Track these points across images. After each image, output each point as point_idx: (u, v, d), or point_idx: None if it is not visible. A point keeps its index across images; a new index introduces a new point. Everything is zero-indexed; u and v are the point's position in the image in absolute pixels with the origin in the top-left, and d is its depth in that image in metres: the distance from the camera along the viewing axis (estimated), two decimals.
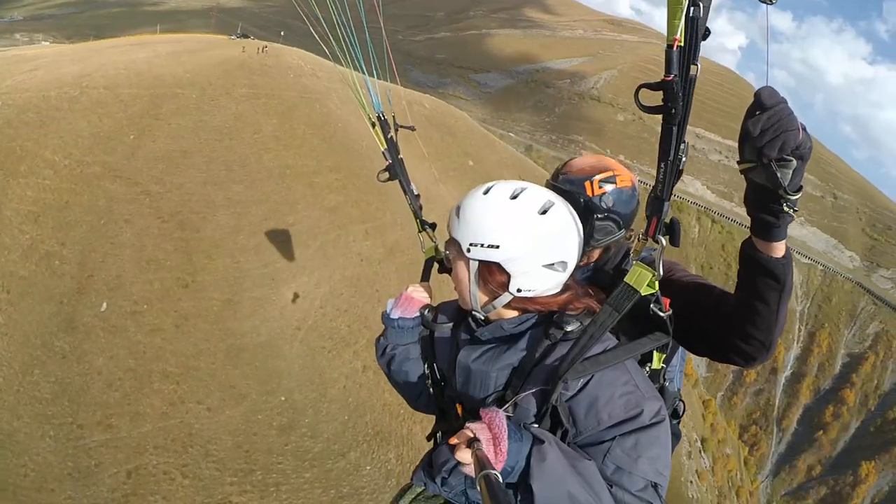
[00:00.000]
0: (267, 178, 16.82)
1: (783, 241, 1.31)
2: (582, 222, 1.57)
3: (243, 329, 13.72)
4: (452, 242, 1.56)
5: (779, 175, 1.14)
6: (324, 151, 19.18)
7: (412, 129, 2.45)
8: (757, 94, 1.14)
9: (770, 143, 1.12)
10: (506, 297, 1.49)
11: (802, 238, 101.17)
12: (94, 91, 16.23)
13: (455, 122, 32.64)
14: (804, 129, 1.11)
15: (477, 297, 1.53)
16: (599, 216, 1.82)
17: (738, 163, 1.23)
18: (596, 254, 1.94)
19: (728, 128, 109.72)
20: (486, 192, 1.50)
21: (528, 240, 1.42)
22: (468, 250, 1.47)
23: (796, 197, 1.19)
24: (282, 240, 15.25)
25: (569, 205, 1.57)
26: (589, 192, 1.81)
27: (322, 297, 15.38)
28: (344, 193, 18.19)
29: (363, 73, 2.34)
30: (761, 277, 1.37)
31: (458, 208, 1.52)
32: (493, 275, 1.48)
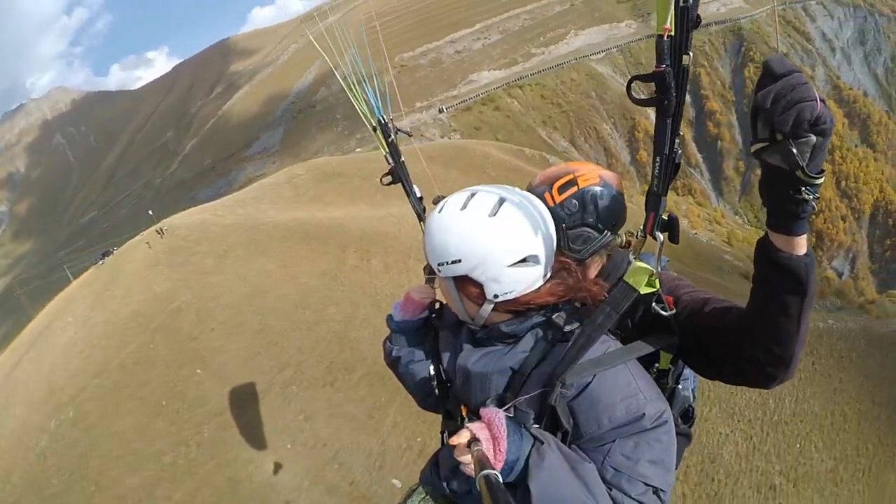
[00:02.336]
0: None
1: (805, 236, 1.16)
2: (557, 235, 1.56)
3: None
4: (428, 265, 1.60)
5: (795, 153, 1.00)
6: None
7: (409, 134, 2.50)
8: (766, 63, 1.04)
9: (783, 115, 0.99)
10: (488, 306, 1.49)
11: (584, 43, 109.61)
12: None
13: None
14: (823, 101, 0.99)
15: (465, 311, 1.56)
16: (567, 225, 1.68)
17: (752, 143, 1.08)
18: (594, 266, 1.80)
19: (467, 20, 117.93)
20: (440, 211, 1.52)
21: (484, 245, 1.41)
22: (439, 270, 1.50)
23: (819, 181, 1.04)
24: None
25: (528, 195, 1.58)
26: (550, 203, 1.68)
27: None
28: None
29: (363, 78, 2.34)
30: (780, 279, 1.21)
31: (425, 233, 1.55)
32: (466, 288, 1.49)
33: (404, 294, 1.95)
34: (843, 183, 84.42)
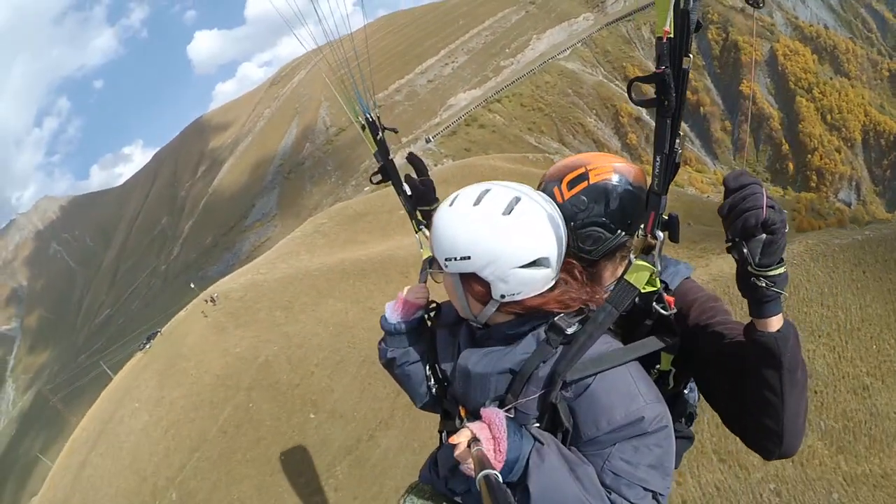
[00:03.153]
0: None
1: (778, 316, 1.26)
2: (568, 233, 1.52)
3: None
4: (434, 259, 1.56)
5: (746, 252, 1.17)
6: None
7: (395, 131, 2.45)
8: (724, 180, 1.19)
9: (734, 224, 1.16)
10: (492, 305, 1.48)
11: (549, 45, 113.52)
12: None
13: None
14: (772, 206, 1.13)
15: (468, 308, 1.53)
16: (576, 223, 1.60)
17: (725, 242, 1.24)
18: (608, 271, 1.72)
19: (431, 48, 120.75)
20: (451, 204, 1.49)
21: (496, 245, 1.38)
22: (445, 266, 1.47)
23: (774, 272, 1.19)
24: None
25: (543, 196, 1.56)
26: (559, 199, 1.62)
27: None
28: None
29: (351, 77, 2.31)
30: (755, 353, 1.28)
31: (433, 225, 1.52)
32: (472, 286, 1.47)
33: (399, 295, 1.93)
34: (829, 117, 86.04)
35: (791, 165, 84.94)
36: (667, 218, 1.38)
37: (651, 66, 1.27)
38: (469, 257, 1.40)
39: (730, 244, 1.20)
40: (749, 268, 1.19)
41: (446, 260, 1.46)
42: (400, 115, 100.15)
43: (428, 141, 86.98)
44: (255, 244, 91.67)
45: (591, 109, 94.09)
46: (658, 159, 1.29)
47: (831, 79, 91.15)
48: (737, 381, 1.39)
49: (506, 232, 1.38)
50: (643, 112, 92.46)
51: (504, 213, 1.39)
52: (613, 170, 1.64)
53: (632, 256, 1.49)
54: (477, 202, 1.43)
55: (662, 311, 1.42)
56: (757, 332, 1.27)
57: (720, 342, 1.46)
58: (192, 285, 33.81)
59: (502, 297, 1.43)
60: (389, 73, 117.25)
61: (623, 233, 1.64)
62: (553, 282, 1.47)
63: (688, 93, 1.20)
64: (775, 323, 1.26)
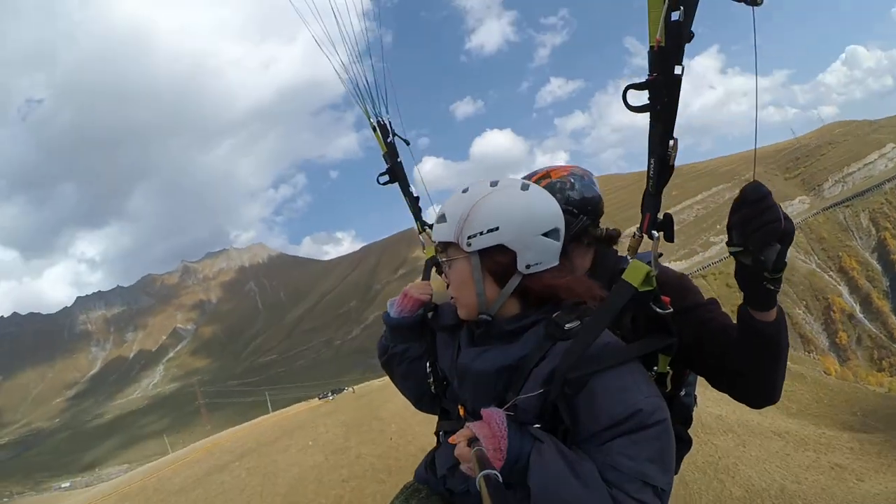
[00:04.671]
0: None
1: (774, 309, 1.35)
2: None
3: None
4: (448, 246, 1.53)
5: (763, 260, 1.22)
6: None
7: (407, 142, 2.41)
8: (742, 190, 1.22)
9: (753, 236, 1.20)
10: (515, 280, 1.47)
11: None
12: None
13: None
14: (786, 217, 1.19)
15: (484, 293, 1.50)
16: None
17: (727, 244, 1.28)
18: (578, 256, 1.90)
19: (632, 218, 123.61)
20: (465, 191, 1.52)
21: (523, 213, 1.44)
22: (468, 244, 1.45)
23: (780, 275, 1.27)
24: None
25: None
26: None
27: None
28: None
29: (365, 79, 2.32)
30: (758, 341, 1.39)
31: (444, 214, 1.53)
32: (498, 259, 1.46)
33: (403, 292, 1.91)
34: None
35: None
36: (662, 218, 1.41)
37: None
38: (497, 227, 1.42)
39: (740, 250, 1.24)
40: (765, 274, 1.24)
41: (471, 237, 1.45)
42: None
43: None
44: None
45: (800, 300, 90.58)
46: (652, 162, 1.33)
47: None
48: (723, 356, 1.53)
49: (528, 202, 1.47)
50: (857, 308, 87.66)
51: (522, 189, 1.49)
52: (570, 170, 1.91)
53: (628, 256, 1.61)
54: (494, 184, 1.51)
55: (659, 311, 1.41)
56: (760, 323, 1.36)
57: (703, 327, 1.62)
58: (352, 389, 32.76)
59: (527, 266, 1.45)
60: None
61: (585, 217, 1.86)
62: (558, 260, 1.52)
63: None
64: (773, 313, 1.36)
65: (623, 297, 1.39)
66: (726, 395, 1.65)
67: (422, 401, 1.93)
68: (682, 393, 1.80)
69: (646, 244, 1.52)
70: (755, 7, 1.16)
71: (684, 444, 1.82)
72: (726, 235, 1.30)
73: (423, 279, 2.02)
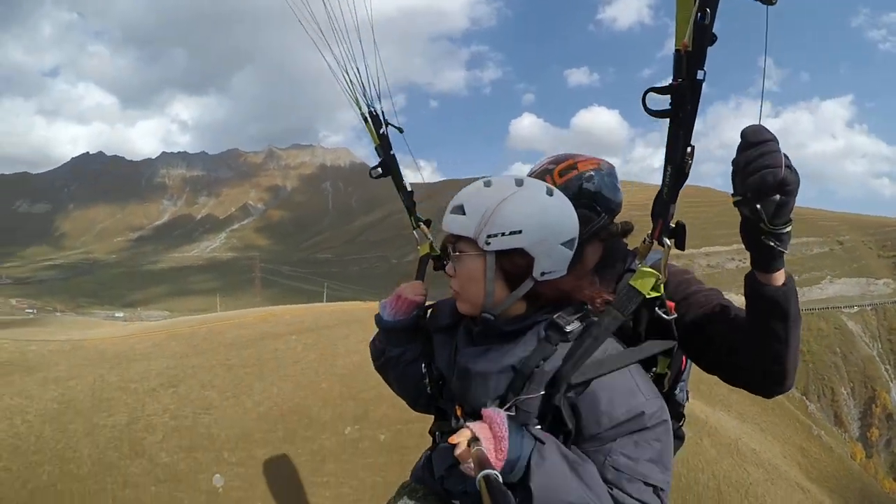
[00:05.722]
0: None
1: (782, 271, 1.29)
2: None
3: None
4: (462, 241, 1.47)
5: (760, 209, 1.15)
6: None
7: (401, 130, 2.31)
8: (743, 133, 1.16)
9: (751, 180, 1.13)
10: (527, 285, 1.44)
11: (839, 293, 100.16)
12: None
13: None
14: (788, 165, 1.11)
15: (493, 293, 1.46)
16: None
17: (732, 195, 1.22)
18: (591, 251, 1.83)
19: (726, 236, 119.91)
20: (488, 185, 1.47)
21: (548, 219, 1.41)
22: (487, 243, 1.40)
23: (784, 230, 1.20)
24: None
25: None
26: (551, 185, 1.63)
27: None
28: None
29: (356, 69, 2.20)
30: (766, 308, 1.32)
31: (461, 206, 1.46)
32: (515, 262, 1.42)
33: (395, 292, 1.85)
34: None
35: None
36: (674, 226, 1.39)
37: None
38: (521, 231, 1.38)
39: (739, 199, 1.18)
40: (761, 226, 1.18)
41: (491, 236, 1.39)
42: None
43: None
44: None
45: (849, 381, 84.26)
46: (669, 168, 1.31)
47: None
48: (726, 335, 1.48)
49: (554, 209, 1.43)
50: None
51: (548, 195, 1.45)
52: (598, 163, 1.82)
53: (636, 263, 1.55)
54: (519, 184, 1.45)
55: (664, 317, 1.42)
56: (764, 287, 1.30)
57: (704, 308, 1.58)
58: None
59: (542, 273, 1.42)
60: None
61: (606, 217, 1.79)
62: (567, 270, 1.50)
63: None
64: (781, 277, 1.29)
65: (631, 304, 1.40)
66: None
67: (418, 401, 1.89)
68: (676, 390, 1.74)
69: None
70: (769, 6, 1.14)
71: (678, 439, 1.78)
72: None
73: (416, 278, 1.99)
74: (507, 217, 1.39)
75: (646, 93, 1.25)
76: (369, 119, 2.21)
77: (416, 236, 2.16)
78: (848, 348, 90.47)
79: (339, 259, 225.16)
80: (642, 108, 1.26)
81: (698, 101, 1.21)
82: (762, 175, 1.11)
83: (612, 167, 1.84)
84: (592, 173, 1.78)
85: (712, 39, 1.15)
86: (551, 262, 1.42)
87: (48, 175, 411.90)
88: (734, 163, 1.17)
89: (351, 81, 2.16)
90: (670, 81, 1.22)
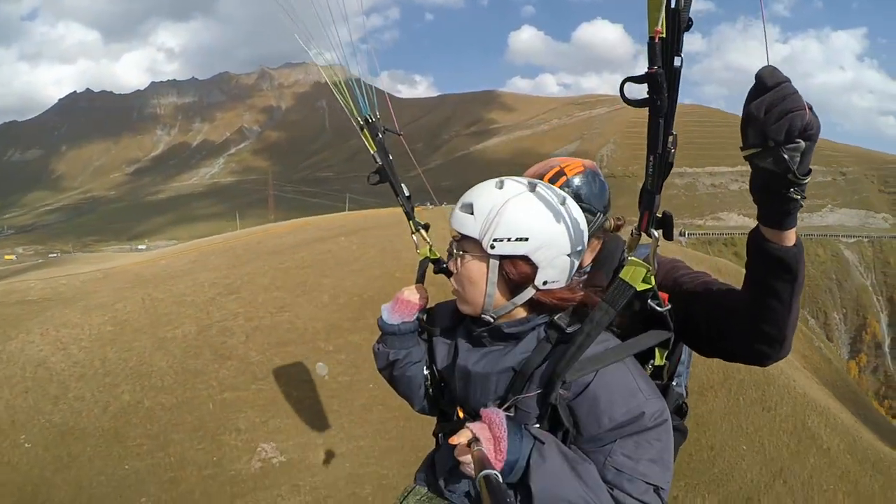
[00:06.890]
0: None
1: (793, 229, 1.22)
2: None
3: None
4: (468, 241, 1.46)
5: (787, 158, 1.05)
6: None
7: (400, 133, 2.34)
8: (758, 75, 1.06)
9: (776, 125, 1.03)
10: (528, 293, 1.44)
11: (838, 221, 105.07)
12: None
13: None
14: (811, 108, 1.03)
15: (493, 297, 1.46)
16: None
17: (742, 148, 1.12)
18: (590, 248, 1.90)
19: (731, 157, 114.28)
20: (499, 186, 1.43)
21: (557, 229, 1.39)
22: (492, 246, 1.39)
23: (806, 181, 1.11)
24: None
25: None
26: None
27: None
28: None
29: (350, 76, 2.22)
30: (773, 269, 1.27)
31: (470, 205, 1.43)
32: (518, 269, 1.42)
33: (396, 296, 1.87)
34: None
35: None
36: (660, 216, 1.35)
37: None
38: (527, 238, 1.37)
39: (758, 150, 1.08)
40: (790, 176, 1.07)
41: (496, 240, 1.38)
42: (670, 199, 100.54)
43: (682, 235, 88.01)
44: None
45: (842, 307, 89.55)
46: (651, 159, 1.26)
47: None
48: (725, 306, 1.48)
49: (564, 219, 1.41)
50: (887, 342, 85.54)
51: (560, 203, 1.42)
52: (583, 164, 1.88)
53: (626, 254, 1.54)
54: (532, 188, 1.43)
55: (657, 308, 1.40)
56: (774, 246, 1.24)
57: (691, 287, 1.62)
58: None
59: (544, 283, 1.42)
60: (682, 157, 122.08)
61: (601, 215, 1.85)
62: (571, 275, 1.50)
63: None
64: (793, 236, 1.24)
65: (622, 297, 1.38)
66: None
67: (420, 403, 1.92)
68: (674, 383, 1.73)
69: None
70: None
71: (680, 434, 1.78)
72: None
73: (416, 281, 2.00)
74: (515, 222, 1.38)
75: (623, 83, 1.21)
76: (365, 127, 2.24)
77: (416, 241, 2.19)
78: (843, 276, 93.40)
79: (340, 177, 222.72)
80: (621, 98, 1.22)
81: (677, 90, 1.16)
82: (791, 118, 1.03)
83: (595, 166, 1.94)
84: (581, 177, 1.87)
85: (688, 24, 1.10)
86: (555, 273, 1.42)
87: (37, 120, 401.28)
88: (750, 109, 1.07)
89: (344, 93, 2.21)
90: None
